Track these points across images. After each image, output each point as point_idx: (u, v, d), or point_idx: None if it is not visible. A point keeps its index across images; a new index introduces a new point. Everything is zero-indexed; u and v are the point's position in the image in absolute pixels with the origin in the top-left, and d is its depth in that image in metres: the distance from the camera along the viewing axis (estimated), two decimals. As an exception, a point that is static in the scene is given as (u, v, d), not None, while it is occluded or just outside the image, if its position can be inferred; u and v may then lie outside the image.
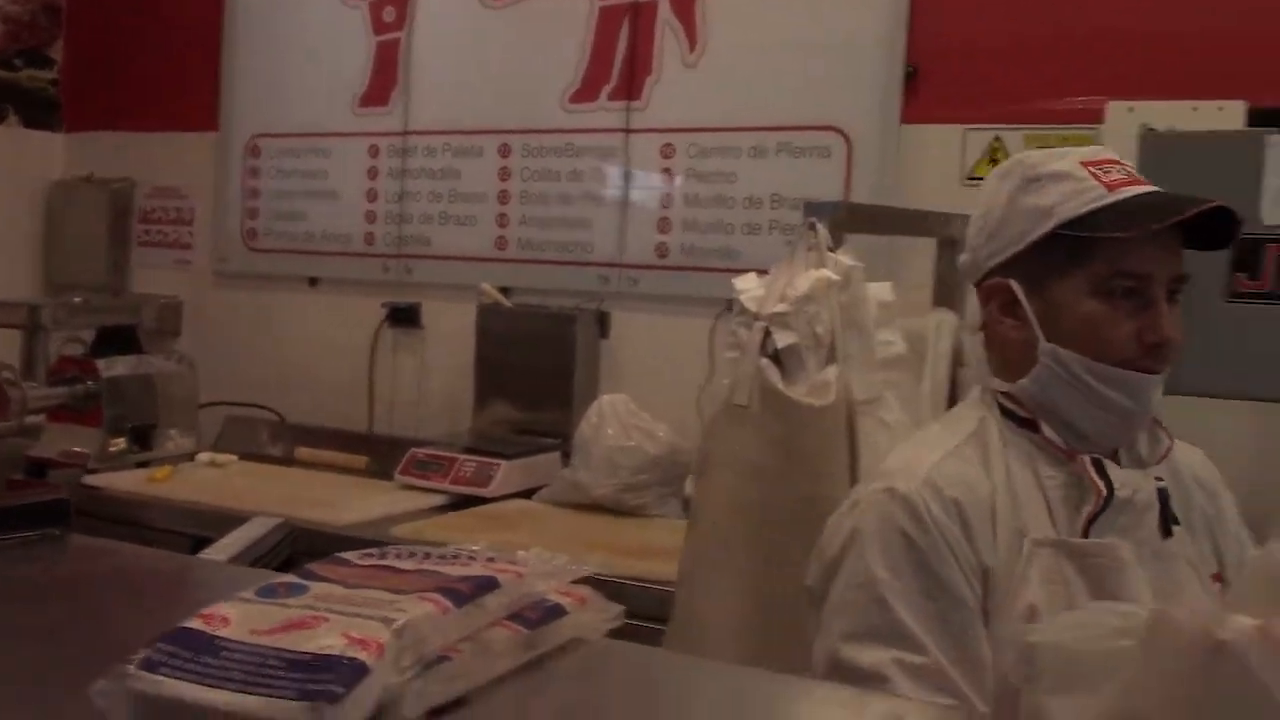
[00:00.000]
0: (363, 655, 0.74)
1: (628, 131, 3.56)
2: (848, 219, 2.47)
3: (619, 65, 3.56)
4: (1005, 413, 1.57)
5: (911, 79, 3.24)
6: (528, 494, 3.22)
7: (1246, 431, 2.82)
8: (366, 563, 0.92)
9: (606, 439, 3.09)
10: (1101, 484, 1.47)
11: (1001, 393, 1.58)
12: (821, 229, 2.26)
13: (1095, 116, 3.06)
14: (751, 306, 2.22)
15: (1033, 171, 1.53)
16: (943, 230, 2.94)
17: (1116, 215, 1.48)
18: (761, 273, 2.26)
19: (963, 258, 1.65)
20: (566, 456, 3.23)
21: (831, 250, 2.26)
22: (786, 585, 2.08)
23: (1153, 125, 2.78)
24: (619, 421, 3.12)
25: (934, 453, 1.54)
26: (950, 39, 3.21)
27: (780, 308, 2.20)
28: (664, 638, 2.09)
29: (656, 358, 3.46)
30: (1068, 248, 1.50)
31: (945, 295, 2.95)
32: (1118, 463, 1.55)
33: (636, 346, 3.56)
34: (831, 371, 2.19)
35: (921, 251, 3.00)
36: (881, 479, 1.54)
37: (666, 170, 3.54)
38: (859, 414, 2.22)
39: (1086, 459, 1.51)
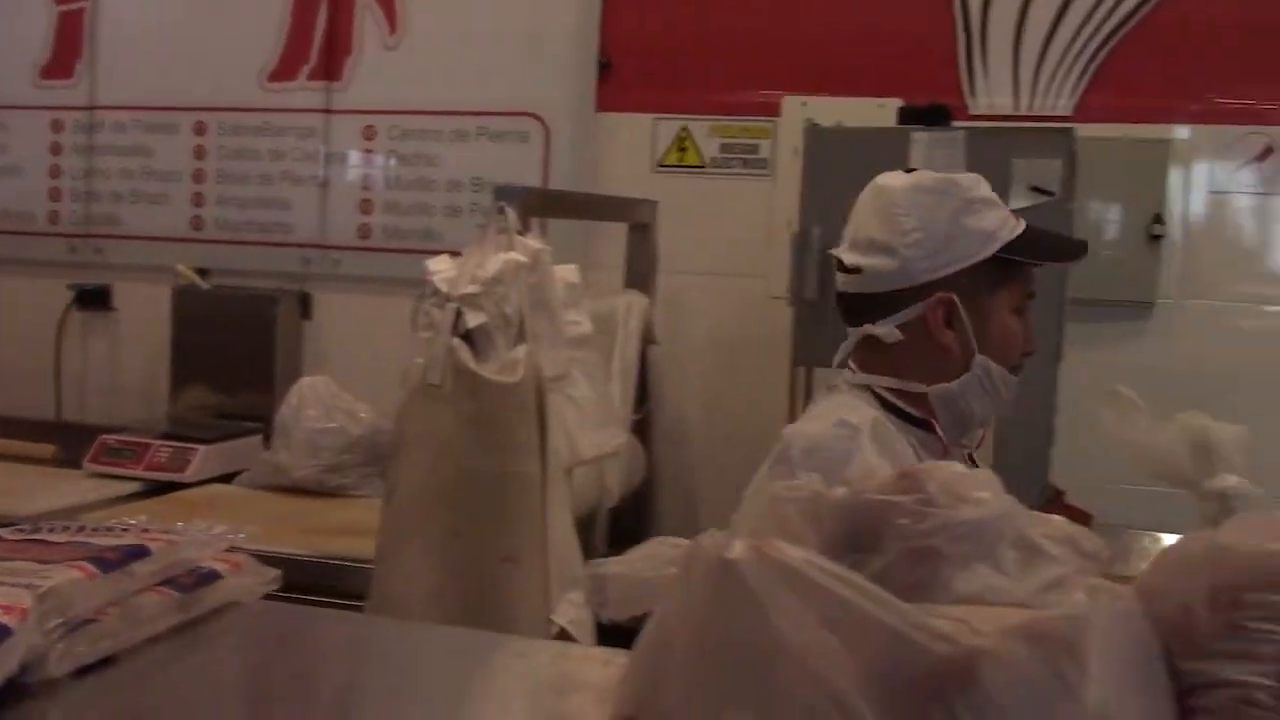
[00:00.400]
0: (5, 619, 0.78)
1: (328, 112, 3.55)
2: (537, 203, 2.58)
3: (318, 45, 3.54)
4: (888, 407, 1.65)
5: (605, 70, 3.37)
6: (228, 479, 3.18)
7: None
8: (17, 537, 0.95)
9: (308, 421, 3.08)
10: None
11: (893, 390, 1.66)
12: (511, 213, 2.33)
13: (773, 110, 3.29)
14: (443, 288, 2.28)
15: (969, 194, 1.65)
16: (633, 215, 3.09)
17: (1031, 243, 1.65)
18: (455, 255, 2.31)
19: (879, 262, 1.65)
20: (268, 440, 3.20)
21: (521, 233, 2.34)
22: (479, 556, 2.17)
23: (820, 120, 3.01)
24: (321, 403, 3.12)
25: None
26: (641, 33, 3.36)
27: (471, 289, 2.26)
28: (363, 613, 2.13)
29: (360, 339, 3.47)
30: (999, 268, 1.63)
31: (636, 277, 3.10)
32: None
33: (340, 328, 3.56)
34: (521, 350, 2.27)
35: (615, 234, 3.15)
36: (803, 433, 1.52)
37: (368, 151, 3.55)
38: (548, 390, 2.31)
39: (959, 452, 1.67)
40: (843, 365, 1.72)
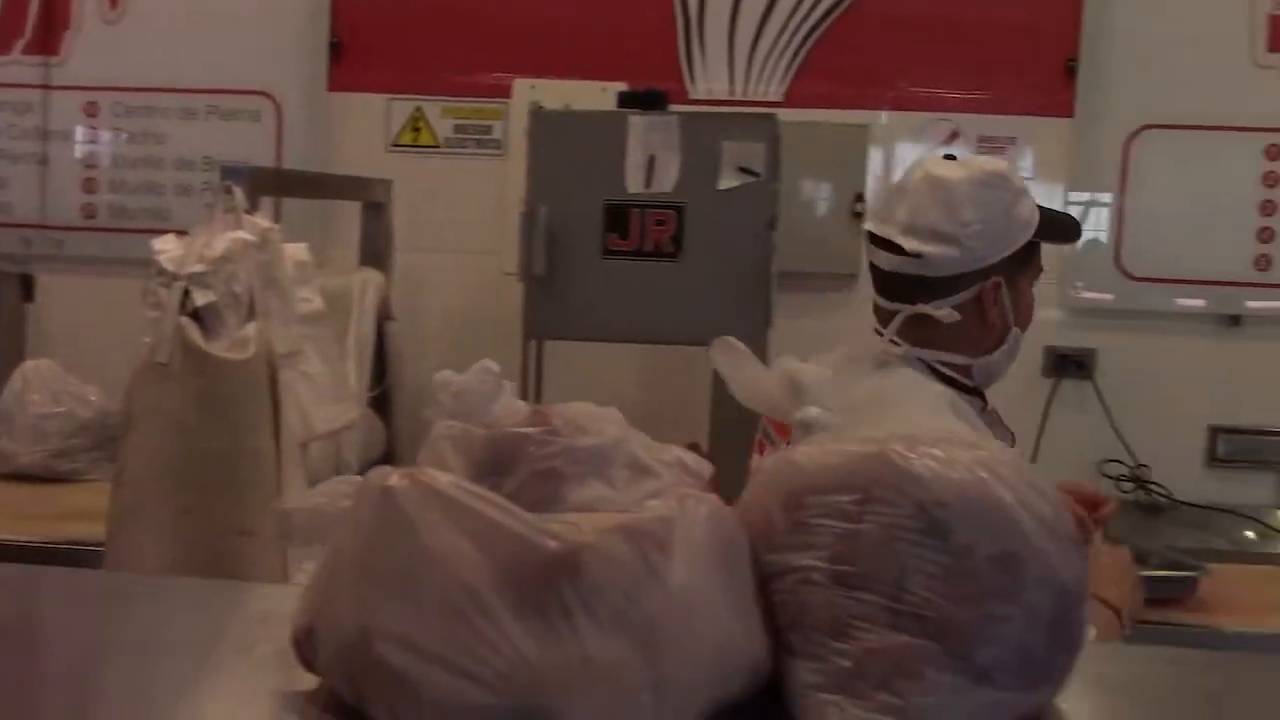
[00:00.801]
0: None
1: (46, 88, 3.45)
2: (266, 183, 2.61)
3: (33, 18, 3.43)
4: (941, 378, 1.73)
5: (337, 49, 3.40)
6: (-54, 468, 3.07)
7: (626, 367, 3.29)
8: None
9: (33, 406, 3.01)
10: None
11: (952, 365, 1.75)
12: (239, 192, 2.36)
13: (505, 92, 3.40)
14: (170, 267, 2.29)
15: (1015, 185, 1.75)
16: (367, 194, 3.14)
17: (1048, 226, 1.77)
18: (182, 234, 2.32)
19: (942, 250, 1.69)
20: (-10, 426, 3.10)
21: (249, 212, 2.37)
22: (213, 531, 2.20)
23: (548, 102, 3.14)
24: (46, 387, 3.05)
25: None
26: (373, 13, 3.41)
27: (198, 268, 2.28)
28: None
29: (88, 321, 3.40)
30: (1026, 249, 1.75)
31: (371, 255, 3.16)
32: None
33: (66, 310, 3.47)
34: (251, 328, 2.30)
35: (352, 214, 3.19)
36: None
37: (91, 129, 3.47)
38: (280, 367, 2.35)
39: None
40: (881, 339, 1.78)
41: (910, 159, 3.32)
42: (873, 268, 1.79)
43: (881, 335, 1.76)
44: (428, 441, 0.84)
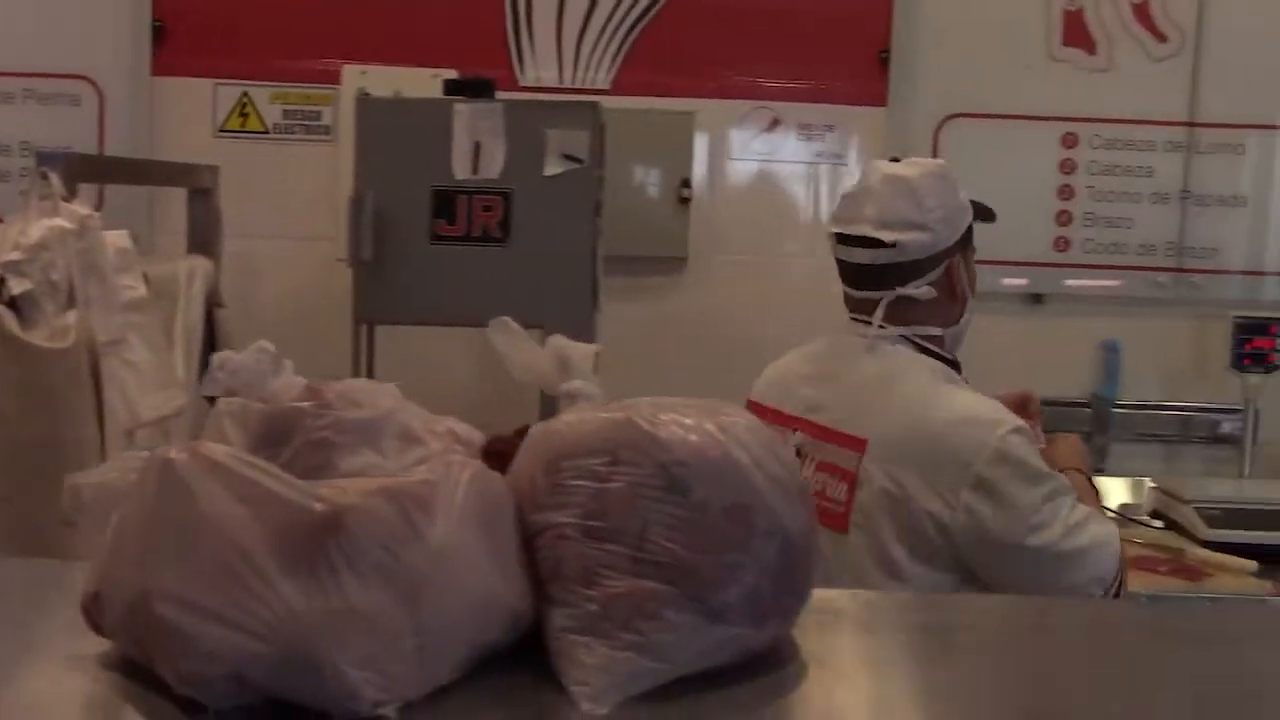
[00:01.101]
0: None
1: None
2: (84, 169, 2.58)
3: None
4: (924, 352, 1.91)
5: (160, 34, 3.36)
6: None
7: (462, 351, 3.34)
8: None
9: None
10: None
11: (930, 338, 1.92)
12: (55, 178, 2.33)
13: (334, 78, 3.40)
14: (-17, 255, 2.26)
15: (954, 176, 1.96)
16: (192, 180, 3.11)
17: (978, 209, 1.97)
18: (-2, 221, 2.29)
19: (913, 236, 1.87)
20: None
21: (67, 199, 2.35)
22: (33, 521, 2.18)
23: (378, 89, 3.17)
24: None
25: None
26: (197, -3, 3.38)
27: (14, 256, 2.25)
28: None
29: (-99, 311, 3.29)
30: (968, 230, 1.95)
31: (199, 242, 3.13)
32: None
33: (-123, 300, 3.35)
34: (71, 316, 2.29)
35: (181, 200, 3.16)
36: (999, 423, 1.78)
37: (-100, 113, 3.36)
38: (102, 355, 2.34)
39: None
40: (864, 324, 1.92)
41: (735, 145, 3.47)
42: (844, 265, 1.96)
43: (860, 323, 1.93)
44: (211, 417, 0.89)
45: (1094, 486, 2.14)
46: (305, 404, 0.87)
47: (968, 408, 1.83)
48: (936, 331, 1.94)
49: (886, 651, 1.00)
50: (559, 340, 1.01)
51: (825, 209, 3.51)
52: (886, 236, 1.87)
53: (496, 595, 0.84)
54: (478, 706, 0.83)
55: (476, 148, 2.80)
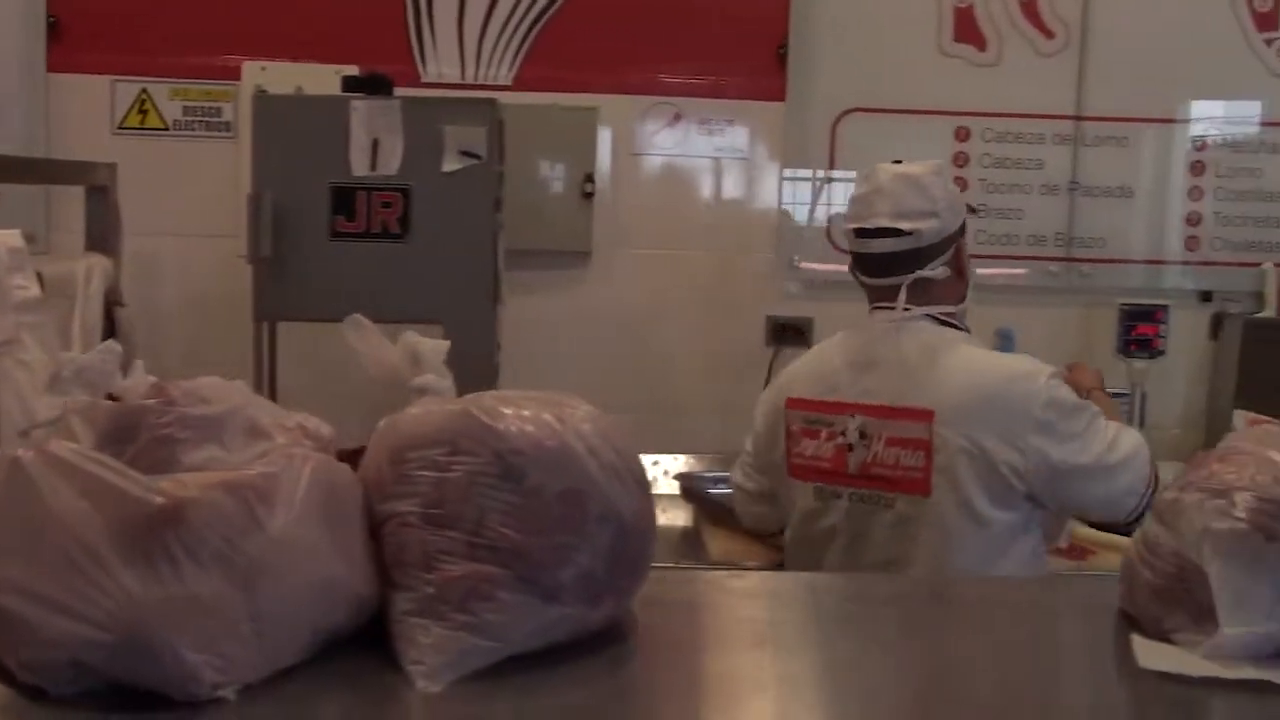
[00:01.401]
0: None
1: None
2: (-27, 168, 2.55)
3: None
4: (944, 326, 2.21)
5: (55, 28, 3.32)
6: None
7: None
8: None
9: None
10: None
11: (946, 314, 2.21)
12: (-59, 179, 2.32)
13: (234, 74, 3.39)
14: None
15: (947, 171, 2.33)
16: (89, 178, 3.09)
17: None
18: (-121, 223, 2.26)
19: (928, 224, 2.16)
20: None
21: (-47, 199, 2.33)
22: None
23: (279, 85, 3.17)
24: None
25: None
26: (92, -8, 3.35)
27: (-101, 256, 2.23)
28: None
29: None
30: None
31: (97, 240, 3.11)
32: None
33: None
34: (-39, 316, 2.27)
35: (80, 198, 3.13)
36: (1040, 371, 2.10)
37: None
38: (-6, 355, 2.32)
39: None
40: (888, 309, 2.19)
41: (637, 140, 3.51)
42: (865, 257, 2.23)
43: (883, 310, 2.20)
44: (61, 416, 0.92)
45: (1111, 401, 2.51)
46: (150, 401, 0.90)
47: (1010, 365, 2.17)
48: (951, 308, 2.23)
49: (727, 631, 1.05)
50: (410, 337, 1.05)
51: (727, 202, 3.56)
52: (905, 225, 2.16)
53: (339, 581, 0.88)
54: (322, 688, 0.86)
55: (374, 144, 2.81)
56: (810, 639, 1.06)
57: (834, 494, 2.19)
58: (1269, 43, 3.54)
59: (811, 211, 3.57)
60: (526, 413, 0.92)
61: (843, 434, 2.15)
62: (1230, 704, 0.91)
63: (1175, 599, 0.99)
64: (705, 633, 1.04)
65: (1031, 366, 2.12)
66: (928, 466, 2.06)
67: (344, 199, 2.82)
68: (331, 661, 0.87)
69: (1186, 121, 3.58)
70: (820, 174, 3.55)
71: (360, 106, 2.82)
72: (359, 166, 2.82)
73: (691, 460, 3.50)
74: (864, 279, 2.25)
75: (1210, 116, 3.58)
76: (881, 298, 2.22)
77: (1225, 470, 0.98)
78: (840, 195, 3.55)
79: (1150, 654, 0.96)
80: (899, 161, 2.24)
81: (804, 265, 3.57)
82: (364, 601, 0.89)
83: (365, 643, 0.90)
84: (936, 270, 2.18)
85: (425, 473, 0.90)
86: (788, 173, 3.55)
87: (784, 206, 3.56)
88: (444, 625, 0.86)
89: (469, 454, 0.89)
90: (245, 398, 0.94)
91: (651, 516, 0.96)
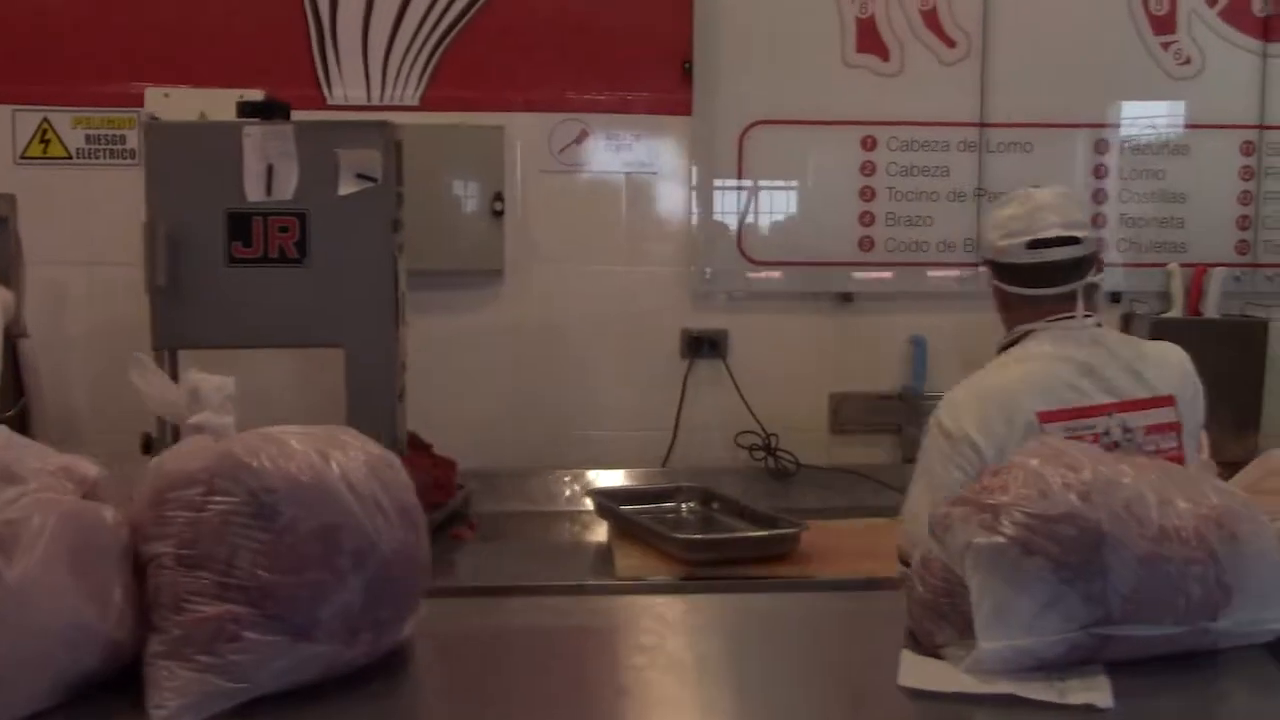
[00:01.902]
0: None
1: None
2: None
3: None
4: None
5: (-46, 59, 3.31)
6: None
7: (268, 373, 3.35)
8: None
9: None
10: None
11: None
12: None
13: (137, 101, 3.38)
14: None
15: None
16: (-8, 209, 3.07)
17: None
18: None
19: (1091, 233, 2.39)
20: None
21: None
22: None
23: (181, 112, 3.15)
24: None
25: None
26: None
27: None
28: None
29: None
30: None
31: (4, 274, 3.09)
32: None
33: None
34: None
35: None
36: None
37: None
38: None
39: None
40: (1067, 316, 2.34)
41: (546, 157, 3.51)
42: (1041, 266, 2.34)
43: (1063, 318, 2.34)
44: None
45: None
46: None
47: (1168, 346, 2.43)
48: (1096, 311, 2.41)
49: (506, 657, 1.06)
50: (194, 375, 1.05)
51: (637, 216, 3.57)
52: (1079, 234, 2.34)
53: (88, 627, 0.88)
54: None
55: (269, 170, 2.80)
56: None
57: None
58: (1166, 46, 3.59)
59: (726, 228, 3.58)
60: (294, 447, 0.93)
61: (1106, 433, 2.26)
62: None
63: (943, 613, 1.00)
64: (477, 663, 1.04)
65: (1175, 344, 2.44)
66: (1179, 444, 2.28)
67: (240, 225, 2.81)
68: (85, 705, 0.87)
69: (1089, 126, 3.62)
70: (729, 183, 3.57)
71: (254, 132, 2.81)
72: (254, 192, 2.81)
73: (609, 475, 3.51)
74: (1035, 290, 2.36)
75: (1112, 120, 3.63)
76: (1056, 306, 2.35)
77: (995, 485, 1.00)
78: (752, 210, 3.57)
79: (911, 670, 0.97)
80: (1038, 186, 2.45)
81: (715, 280, 3.58)
82: (119, 646, 0.89)
83: (124, 687, 0.90)
84: (1098, 276, 2.40)
85: (181, 513, 0.90)
86: (696, 189, 3.56)
87: (694, 219, 3.57)
88: (188, 667, 0.86)
89: (224, 494, 0.90)
90: (4, 442, 0.94)
91: (417, 549, 0.97)
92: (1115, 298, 3.66)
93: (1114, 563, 0.96)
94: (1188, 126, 3.63)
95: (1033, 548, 0.94)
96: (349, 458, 0.94)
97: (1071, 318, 2.32)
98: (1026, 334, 2.38)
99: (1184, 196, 3.66)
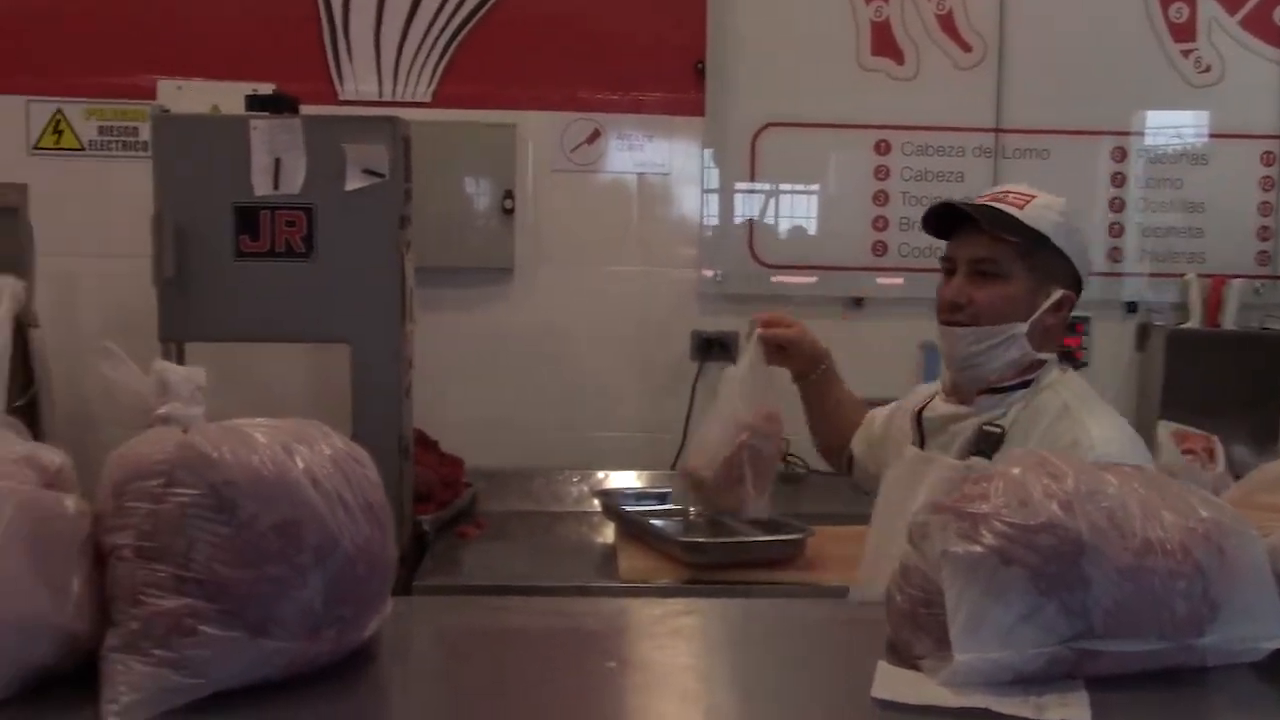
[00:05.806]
0: None
1: None
2: None
3: None
4: None
5: (-32, 50, 3.32)
6: None
7: (275, 367, 3.34)
8: None
9: None
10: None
11: None
12: None
13: (150, 93, 3.38)
14: None
15: None
16: (3, 199, 3.08)
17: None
18: None
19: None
20: None
21: None
22: None
23: (193, 104, 3.17)
24: None
25: None
26: (5, 11, 3.33)
27: None
28: None
29: None
30: None
31: (8, 262, 3.09)
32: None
33: None
34: None
35: None
36: None
37: None
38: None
39: None
40: None
41: (558, 156, 3.50)
42: None
43: None
44: None
45: None
46: None
47: None
48: None
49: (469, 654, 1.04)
50: (162, 365, 1.04)
51: (648, 217, 3.55)
52: None
53: (44, 618, 0.87)
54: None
55: (277, 164, 2.80)
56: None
57: None
58: (1186, 54, 3.55)
59: (737, 229, 3.56)
60: (253, 442, 0.91)
61: None
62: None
63: (921, 624, 0.98)
64: (437, 662, 1.03)
65: None
66: None
67: (248, 218, 2.81)
68: (42, 698, 0.86)
69: (1107, 133, 3.58)
70: (742, 186, 3.54)
71: (261, 126, 2.81)
72: (261, 186, 2.81)
73: (618, 476, 3.50)
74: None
75: (1130, 128, 3.59)
76: None
77: (974, 493, 0.97)
78: (766, 212, 3.55)
79: (886, 682, 0.95)
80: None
81: (726, 282, 3.56)
82: (77, 639, 0.88)
83: (84, 680, 0.89)
84: None
85: (141, 504, 0.89)
86: (708, 190, 3.54)
87: (706, 221, 3.55)
88: (144, 661, 0.85)
89: (184, 485, 0.88)
90: (-34, 431, 0.93)
91: (382, 547, 0.95)
92: (1132, 308, 3.62)
93: (1095, 575, 0.93)
94: (1208, 135, 3.59)
95: (1011, 557, 0.92)
96: (314, 452, 0.92)
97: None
98: (1046, 362, 2.08)
99: (1203, 206, 3.61)
